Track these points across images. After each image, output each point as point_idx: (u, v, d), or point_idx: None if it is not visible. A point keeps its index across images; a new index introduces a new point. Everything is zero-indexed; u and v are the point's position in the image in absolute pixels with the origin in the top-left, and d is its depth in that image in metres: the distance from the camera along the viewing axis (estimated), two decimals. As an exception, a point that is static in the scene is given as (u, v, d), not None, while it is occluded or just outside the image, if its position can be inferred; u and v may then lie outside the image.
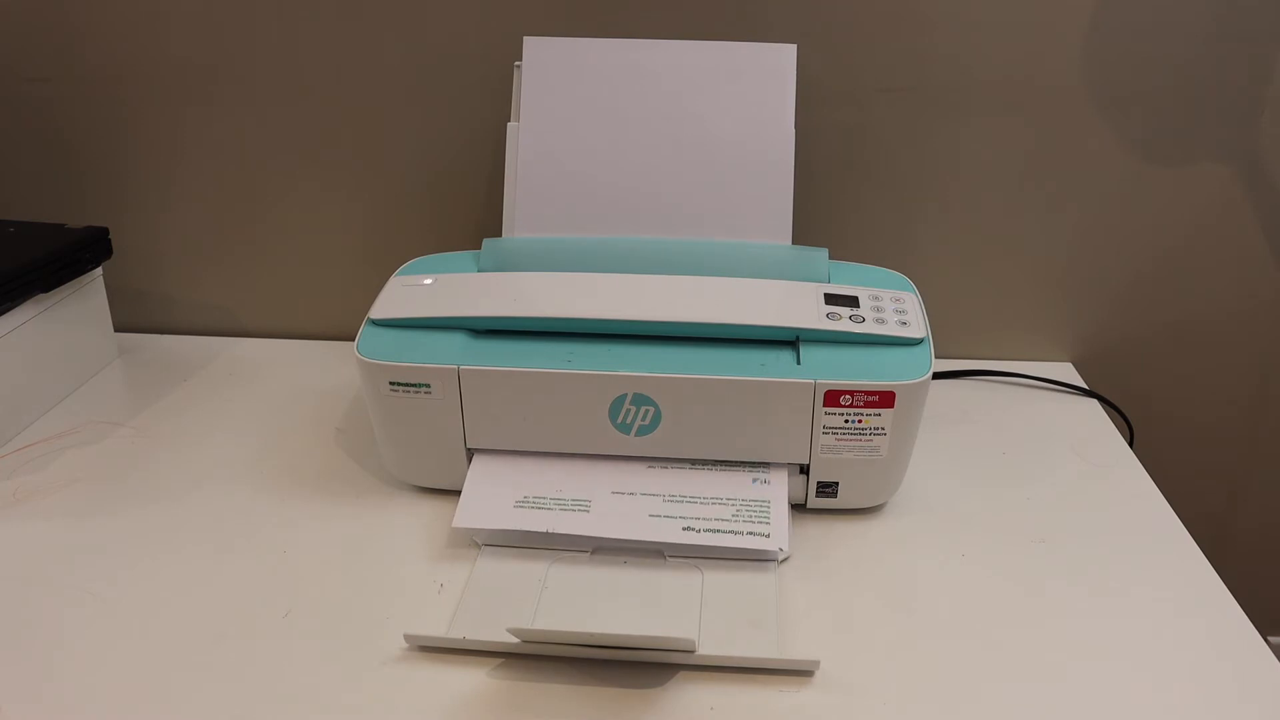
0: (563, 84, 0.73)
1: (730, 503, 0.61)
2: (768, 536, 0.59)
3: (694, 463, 0.64)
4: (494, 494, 0.63)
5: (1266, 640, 0.56)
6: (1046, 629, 0.57)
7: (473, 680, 0.53)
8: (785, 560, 0.61)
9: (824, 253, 0.70)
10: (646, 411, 0.62)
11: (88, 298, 0.82)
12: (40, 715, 0.51)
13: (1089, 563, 0.62)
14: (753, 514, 0.60)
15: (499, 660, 0.55)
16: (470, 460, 0.65)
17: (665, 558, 0.61)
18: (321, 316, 0.91)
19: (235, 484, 0.70)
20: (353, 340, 0.65)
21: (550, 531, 0.60)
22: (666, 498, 0.62)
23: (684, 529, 0.59)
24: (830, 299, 0.65)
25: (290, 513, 0.67)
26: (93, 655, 0.55)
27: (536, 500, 0.62)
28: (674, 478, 0.63)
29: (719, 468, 0.64)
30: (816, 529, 0.65)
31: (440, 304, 0.66)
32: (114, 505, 0.68)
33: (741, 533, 0.59)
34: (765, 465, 0.63)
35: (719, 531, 0.59)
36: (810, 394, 0.61)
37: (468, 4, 0.79)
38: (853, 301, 0.66)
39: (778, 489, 0.62)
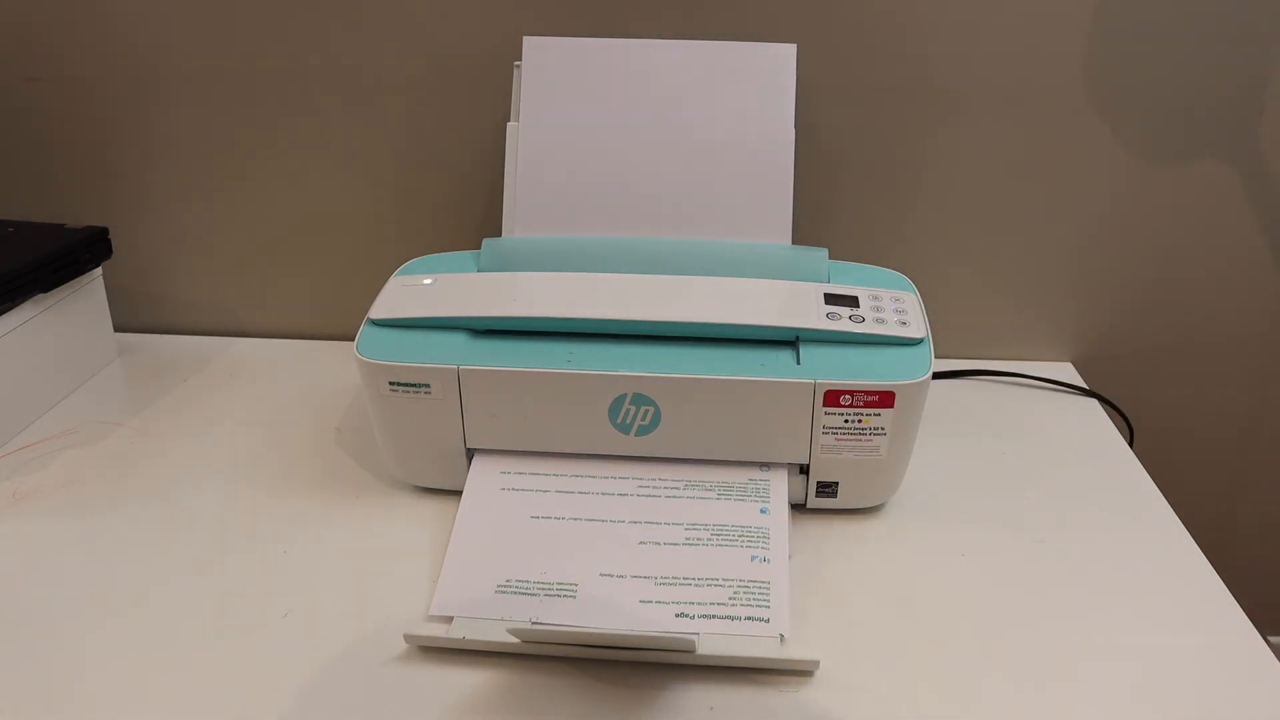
0: (563, 84, 0.73)
1: (728, 584, 0.58)
2: (767, 621, 0.56)
3: (688, 537, 0.61)
4: (474, 574, 0.59)
5: (1267, 640, 0.56)
6: (1046, 629, 0.57)
7: (473, 680, 0.53)
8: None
9: (824, 253, 0.70)
10: (646, 411, 0.62)
11: (87, 298, 0.82)
12: (40, 715, 0.51)
13: (1089, 563, 0.62)
14: (751, 596, 0.57)
15: (499, 660, 0.55)
16: (470, 461, 0.66)
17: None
18: (321, 316, 0.91)
19: (235, 484, 0.70)
20: (353, 340, 0.65)
21: (533, 623, 0.56)
22: (658, 580, 0.58)
23: (677, 615, 0.56)
24: (830, 299, 0.65)
25: (290, 512, 0.67)
26: (92, 655, 0.55)
27: (520, 584, 0.58)
28: (666, 556, 0.60)
29: (716, 543, 0.60)
30: (816, 529, 0.65)
31: (440, 304, 0.66)
32: (114, 505, 0.68)
33: (739, 617, 0.56)
34: (766, 539, 0.60)
35: (714, 617, 0.56)
36: (810, 394, 0.61)
37: (468, 4, 0.79)
38: (853, 301, 0.66)
39: (778, 568, 0.59)
